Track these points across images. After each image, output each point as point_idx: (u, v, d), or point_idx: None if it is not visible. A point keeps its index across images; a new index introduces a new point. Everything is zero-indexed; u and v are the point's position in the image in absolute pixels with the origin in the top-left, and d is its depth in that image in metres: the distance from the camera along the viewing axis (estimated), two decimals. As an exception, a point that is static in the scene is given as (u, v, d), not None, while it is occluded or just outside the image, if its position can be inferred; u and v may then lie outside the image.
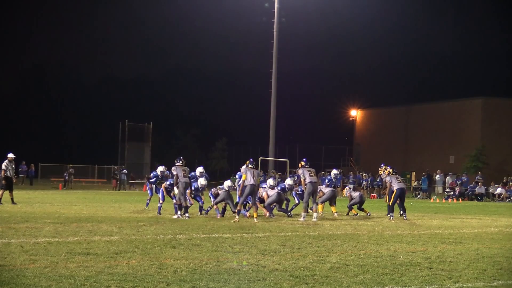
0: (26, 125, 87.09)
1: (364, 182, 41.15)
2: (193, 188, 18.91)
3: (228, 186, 18.65)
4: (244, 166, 18.18)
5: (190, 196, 18.75)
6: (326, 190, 20.20)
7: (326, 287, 8.10)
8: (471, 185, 38.88)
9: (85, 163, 57.41)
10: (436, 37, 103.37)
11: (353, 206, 20.69)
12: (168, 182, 19.57)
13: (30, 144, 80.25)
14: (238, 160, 65.69)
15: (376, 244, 12.48)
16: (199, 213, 19.22)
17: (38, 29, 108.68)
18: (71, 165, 45.56)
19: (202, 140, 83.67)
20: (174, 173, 17.92)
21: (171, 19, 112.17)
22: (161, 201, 19.37)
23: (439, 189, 42.87)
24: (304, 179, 18.25)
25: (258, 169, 32.25)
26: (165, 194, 19.45)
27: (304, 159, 18.90)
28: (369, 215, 20.43)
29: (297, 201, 20.88)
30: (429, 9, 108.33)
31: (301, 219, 17.92)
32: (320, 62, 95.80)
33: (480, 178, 39.17)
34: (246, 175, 17.63)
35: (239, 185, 18.21)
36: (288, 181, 21.33)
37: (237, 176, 21.20)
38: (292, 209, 20.14)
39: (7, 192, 22.19)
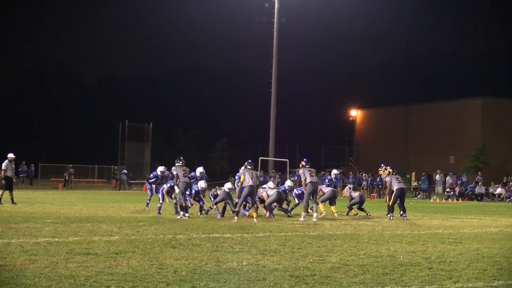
0: (26, 125, 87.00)
1: (364, 182, 41.13)
2: (193, 191, 18.93)
3: (229, 189, 18.66)
4: (242, 167, 18.21)
5: (192, 199, 18.81)
6: (326, 190, 20.28)
7: (326, 287, 8.10)
8: (471, 185, 38.85)
9: (85, 163, 57.40)
10: (436, 37, 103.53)
11: (353, 206, 20.70)
12: (168, 185, 19.57)
13: (30, 144, 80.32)
14: (238, 160, 65.61)
15: (376, 244, 12.48)
16: (199, 213, 19.22)
17: (38, 29, 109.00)
18: (71, 165, 45.54)
19: (202, 140, 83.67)
20: (174, 173, 17.92)
21: (171, 19, 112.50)
22: (161, 201, 19.39)
23: (439, 189, 42.84)
24: (305, 179, 18.26)
25: (257, 170, 32.41)
26: (165, 195, 19.47)
27: (304, 159, 18.92)
28: (369, 215, 20.43)
29: (297, 202, 20.89)
30: (429, 9, 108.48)
31: (301, 219, 17.93)
32: (320, 62, 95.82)
33: (480, 178, 39.14)
34: (245, 176, 17.66)
35: (238, 186, 18.22)
36: (288, 183, 21.36)
37: (236, 178, 21.20)
38: (292, 209, 20.14)
39: (7, 192, 22.18)
